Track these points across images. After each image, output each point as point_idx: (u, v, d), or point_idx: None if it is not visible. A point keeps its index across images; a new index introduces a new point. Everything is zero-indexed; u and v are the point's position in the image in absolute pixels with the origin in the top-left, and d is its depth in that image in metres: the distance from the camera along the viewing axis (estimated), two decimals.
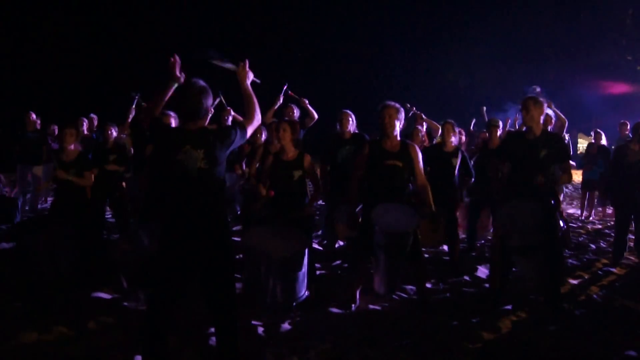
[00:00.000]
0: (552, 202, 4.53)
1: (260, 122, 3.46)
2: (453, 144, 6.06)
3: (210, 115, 3.43)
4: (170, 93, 3.34)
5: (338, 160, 6.08)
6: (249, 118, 3.38)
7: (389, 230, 4.13)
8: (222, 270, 3.23)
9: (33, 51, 26.10)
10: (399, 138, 4.55)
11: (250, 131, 3.38)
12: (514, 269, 4.70)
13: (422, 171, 4.57)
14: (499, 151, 4.89)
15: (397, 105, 4.53)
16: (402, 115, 4.54)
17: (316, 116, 7.13)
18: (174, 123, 5.07)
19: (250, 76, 3.46)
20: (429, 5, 29.51)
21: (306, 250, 4.32)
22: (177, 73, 3.35)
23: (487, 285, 5.30)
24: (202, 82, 3.28)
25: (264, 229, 4.50)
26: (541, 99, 4.53)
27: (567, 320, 4.30)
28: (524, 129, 4.72)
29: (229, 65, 3.49)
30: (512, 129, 9.18)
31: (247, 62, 3.45)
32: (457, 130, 6.16)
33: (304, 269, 4.30)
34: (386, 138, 4.50)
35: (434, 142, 7.10)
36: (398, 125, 4.48)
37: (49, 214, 6.39)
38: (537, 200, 4.33)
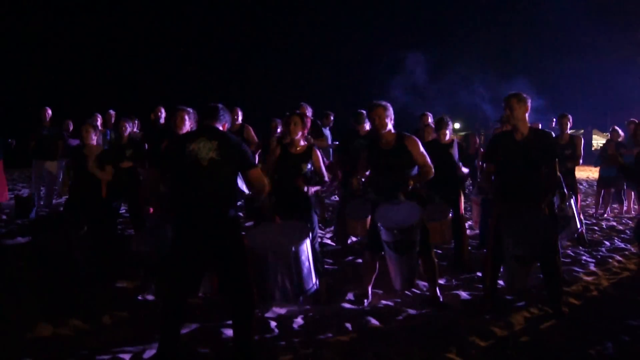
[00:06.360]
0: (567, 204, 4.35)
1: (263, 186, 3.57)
2: (447, 136, 6.01)
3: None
4: None
5: (352, 154, 5.97)
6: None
7: (392, 227, 4.17)
8: (236, 260, 3.28)
9: (50, 48, 26.35)
10: (393, 131, 4.56)
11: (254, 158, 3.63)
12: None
13: (425, 157, 4.52)
14: (487, 153, 4.65)
15: (385, 103, 4.55)
16: (391, 111, 4.55)
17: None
18: (188, 121, 5.02)
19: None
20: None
21: (309, 241, 4.19)
22: None
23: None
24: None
25: (265, 228, 4.43)
26: (525, 96, 4.28)
27: (581, 317, 4.27)
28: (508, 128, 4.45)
29: None
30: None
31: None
32: (449, 123, 6.06)
33: (310, 259, 4.16)
34: (380, 137, 4.55)
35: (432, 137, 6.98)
36: (389, 122, 4.52)
37: (64, 210, 6.45)
38: (532, 204, 4.22)
